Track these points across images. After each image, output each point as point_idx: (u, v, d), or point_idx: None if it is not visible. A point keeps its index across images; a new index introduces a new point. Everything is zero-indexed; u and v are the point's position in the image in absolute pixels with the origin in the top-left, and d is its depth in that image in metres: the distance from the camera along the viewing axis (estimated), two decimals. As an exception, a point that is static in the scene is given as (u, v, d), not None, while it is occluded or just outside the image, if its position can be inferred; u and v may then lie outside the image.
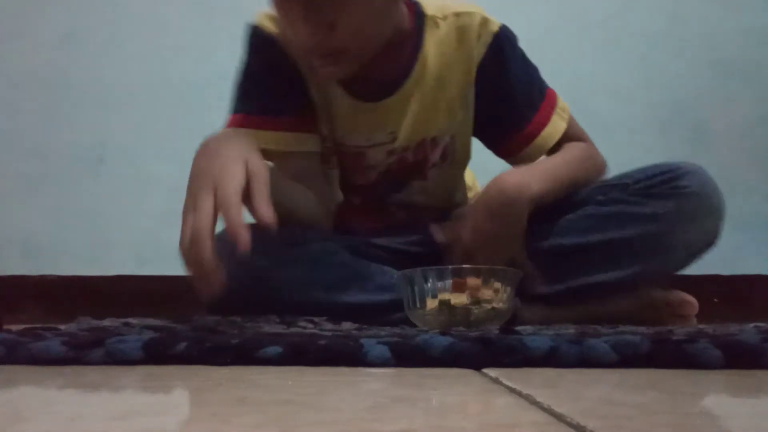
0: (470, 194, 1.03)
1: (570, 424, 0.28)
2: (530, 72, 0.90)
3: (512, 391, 0.36)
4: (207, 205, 0.60)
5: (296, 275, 0.78)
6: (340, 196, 0.92)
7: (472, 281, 0.66)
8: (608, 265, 0.81)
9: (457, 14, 0.86)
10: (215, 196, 0.60)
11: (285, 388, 0.38)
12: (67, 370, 0.45)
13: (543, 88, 0.91)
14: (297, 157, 0.85)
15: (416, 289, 0.68)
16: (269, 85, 0.86)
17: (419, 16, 0.86)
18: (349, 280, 0.79)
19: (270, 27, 0.88)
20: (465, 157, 0.94)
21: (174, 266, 1.49)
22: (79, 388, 0.39)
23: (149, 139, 1.53)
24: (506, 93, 0.88)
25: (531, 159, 0.88)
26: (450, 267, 0.67)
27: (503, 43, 0.86)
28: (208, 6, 1.58)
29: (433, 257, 0.83)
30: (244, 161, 0.62)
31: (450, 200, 0.97)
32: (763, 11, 1.61)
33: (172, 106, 1.54)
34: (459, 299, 0.66)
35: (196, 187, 0.63)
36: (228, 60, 1.58)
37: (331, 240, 0.84)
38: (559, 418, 0.29)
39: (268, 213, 0.59)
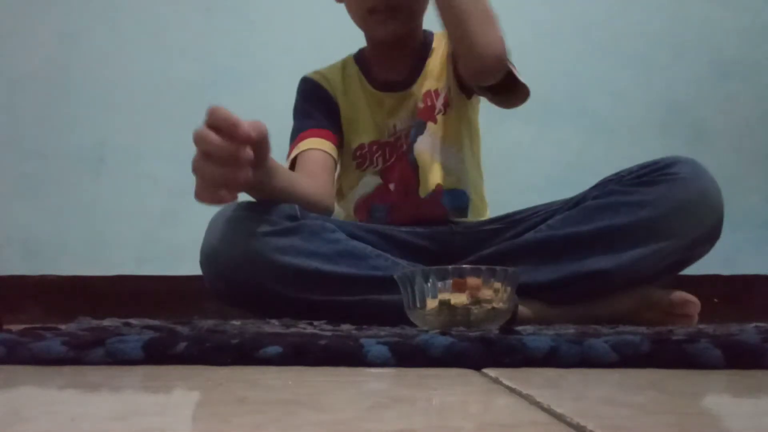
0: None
1: (570, 424, 0.28)
2: None
3: (512, 391, 0.36)
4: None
5: (292, 243, 0.79)
6: (369, 187, 1.03)
7: (472, 281, 0.66)
8: (602, 252, 0.82)
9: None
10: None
11: (285, 388, 0.37)
12: (67, 370, 0.45)
13: None
14: (318, 151, 1.00)
15: (416, 288, 0.67)
16: (314, 112, 1.05)
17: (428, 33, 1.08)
18: (343, 255, 0.81)
19: (315, 76, 1.08)
20: (461, 108, 1.05)
21: (174, 266, 1.50)
22: (79, 388, 0.39)
23: (149, 139, 1.53)
24: None
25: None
26: (450, 267, 0.67)
27: None
28: (208, 6, 1.58)
29: (437, 254, 0.88)
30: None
31: (462, 178, 1.03)
32: (763, 11, 1.61)
33: (172, 106, 1.54)
34: (459, 299, 0.66)
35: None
36: (228, 60, 1.59)
37: (330, 221, 0.86)
38: (559, 418, 0.29)
39: (248, 126, 0.64)
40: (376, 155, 1.04)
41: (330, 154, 1.00)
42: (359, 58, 1.08)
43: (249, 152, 0.65)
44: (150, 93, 1.55)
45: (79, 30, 1.55)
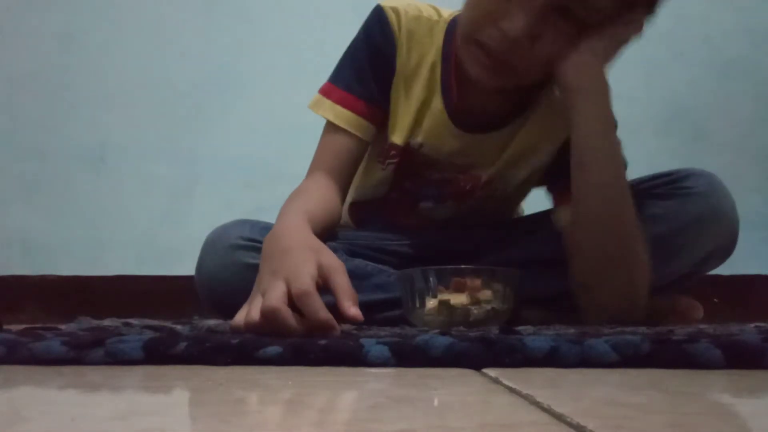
0: None
1: (570, 424, 0.27)
2: None
3: (512, 391, 0.36)
4: (280, 288, 0.57)
5: None
6: (378, 190, 0.94)
7: (472, 281, 0.66)
8: None
9: None
10: (288, 286, 0.57)
11: (285, 388, 0.37)
12: (67, 370, 0.45)
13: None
14: (351, 138, 0.86)
15: (416, 289, 0.67)
16: (364, 68, 0.87)
17: None
18: None
19: (392, 17, 0.86)
20: (514, 199, 0.96)
21: (174, 266, 1.50)
22: (79, 388, 0.39)
23: (149, 139, 1.53)
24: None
25: None
26: (450, 267, 0.67)
27: None
28: (208, 6, 1.58)
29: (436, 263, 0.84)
30: (315, 257, 0.61)
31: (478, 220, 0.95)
32: (763, 11, 1.61)
33: (172, 106, 1.54)
34: (459, 299, 0.66)
35: (267, 280, 0.60)
36: (228, 60, 1.59)
37: (329, 242, 0.84)
38: (559, 418, 0.29)
39: (355, 310, 0.58)
40: (394, 161, 0.90)
41: (364, 141, 0.87)
42: (449, 43, 0.85)
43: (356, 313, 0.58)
44: (150, 93, 1.55)
45: (79, 30, 1.55)
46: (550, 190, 0.90)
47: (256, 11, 1.58)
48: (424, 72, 0.85)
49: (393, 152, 0.88)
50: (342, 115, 0.85)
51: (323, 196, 0.82)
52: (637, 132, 1.57)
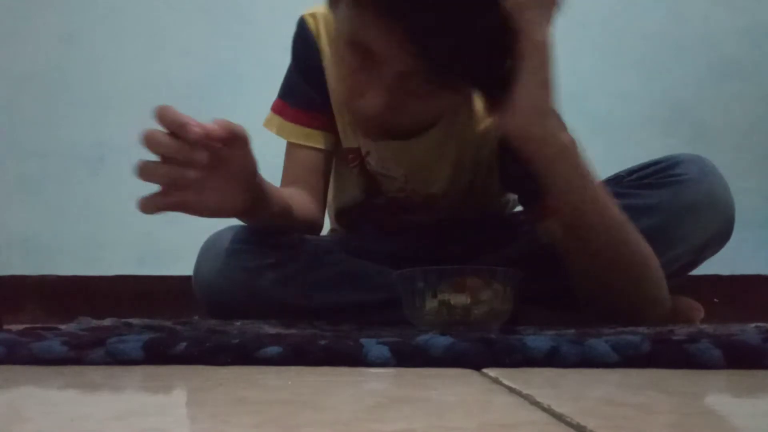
0: None
1: (570, 424, 0.27)
2: None
3: (512, 391, 0.36)
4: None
5: (293, 273, 0.78)
6: (358, 195, 0.92)
7: (472, 281, 0.66)
8: None
9: None
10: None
11: (285, 388, 0.37)
12: (67, 370, 0.45)
13: None
14: (311, 151, 0.87)
15: (416, 289, 0.67)
16: (299, 81, 0.88)
17: None
18: (343, 279, 0.79)
19: (311, 24, 0.87)
20: (482, 203, 0.92)
21: (174, 266, 1.50)
22: (79, 388, 0.39)
23: (149, 139, 1.53)
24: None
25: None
26: (450, 267, 0.67)
27: None
28: (208, 6, 1.58)
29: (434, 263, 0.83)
30: None
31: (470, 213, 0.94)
32: (763, 11, 1.61)
33: (172, 106, 1.54)
34: (459, 299, 0.66)
35: None
36: (228, 60, 1.59)
37: (326, 240, 0.84)
38: (559, 418, 0.29)
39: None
40: (354, 164, 0.89)
41: (324, 150, 0.87)
42: None
43: (203, 153, 0.59)
44: (150, 93, 1.55)
45: (79, 30, 1.55)
46: (522, 204, 0.86)
47: (256, 11, 1.58)
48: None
49: (351, 155, 0.88)
50: (294, 131, 0.86)
51: (296, 191, 0.84)
52: (637, 132, 1.57)
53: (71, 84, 1.54)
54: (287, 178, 0.88)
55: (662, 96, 1.59)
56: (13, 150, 1.52)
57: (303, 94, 0.87)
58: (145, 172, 0.60)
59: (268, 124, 0.88)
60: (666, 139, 1.55)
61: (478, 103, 0.82)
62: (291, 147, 0.88)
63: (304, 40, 0.87)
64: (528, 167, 0.69)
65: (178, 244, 1.43)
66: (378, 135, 0.78)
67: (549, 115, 0.65)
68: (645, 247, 0.71)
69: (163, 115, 0.59)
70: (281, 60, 1.62)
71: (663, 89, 1.59)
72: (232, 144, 0.62)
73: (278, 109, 0.89)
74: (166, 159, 0.60)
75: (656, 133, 1.56)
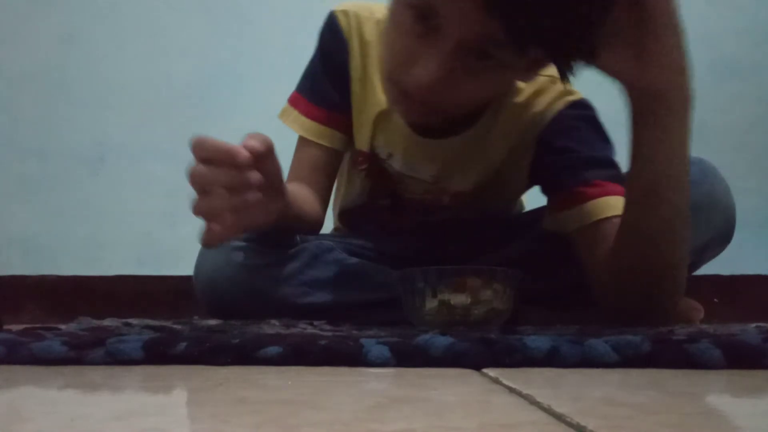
0: None
1: (570, 424, 0.28)
2: (598, 148, 0.81)
3: (512, 391, 0.36)
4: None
5: (293, 271, 0.78)
6: (363, 198, 0.92)
7: (472, 281, 0.66)
8: None
9: (537, 92, 0.82)
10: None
11: (285, 388, 0.37)
12: (67, 370, 0.45)
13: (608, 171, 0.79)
14: (321, 149, 0.86)
15: (416, 289, 0.67)
16: (321, 78, 0.86)
17: None
18: (343, 279, 0.80)
19: (342, 21, 0.85)
20: (504, 200, 0.93)
21: (174, 266, 1.50)
22: (79, 388, 0.39)
23: (149, 139, 1.53)
24: (561, 163, 0.80)
25: (568, 224, 0.79)
26: (450, 267, 0.67)
27: (571, 117, 0.82)
28: (208, 6, 1.58)
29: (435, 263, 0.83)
30: None
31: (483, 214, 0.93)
32: (763, 11, 1.61)
33: (172, 106, 1.54)
34: (459, 299, 0.66)
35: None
36: (228, 60, 1.59)
37: (326, 239, 0.84)
38: (559, 418, 0.29)
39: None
40: (363, 167, 0.89)
41: (335, 150, 0.86)
42: None
43: (256, 174, 0.57)
44: (150, 93, 1.55)
45: (79, 30, 1.55)
46: (545, 193, 0.86)
47: (256, 11, 1.58)
48: (379, 78, 0.81)
49: (360, 158, 0.87)
50: (309, 127, 0.85)
51: (301, 188, 0.83)
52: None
53: (71, 84, 1.54)
54: (294, 173, 0.87)
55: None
56: (13, 150, 1.52)
57: (323, 90, 0.86)
58: (208, 212, 0.57)
59: (283, 115, 0.88)
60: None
61: (518, 94, 0.81)
62: (302, 142, 0.87)
63: (333, 35, 0.85)
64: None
65: (178, 244, 1.43)
66: (419, 114, 0.74)
67: (685, 71, 0.63)
68: (688, 245, 0.70)
69: (203, 148, 0.55)
70: (281, 60, 1.62)
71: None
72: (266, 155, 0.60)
73: (295, 102, 0.88)
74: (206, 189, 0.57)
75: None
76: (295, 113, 0.87)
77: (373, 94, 0.83)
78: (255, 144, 0.57)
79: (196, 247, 0.81)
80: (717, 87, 1.58)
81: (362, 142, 0.86)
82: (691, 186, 0.74)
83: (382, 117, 0.83)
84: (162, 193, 1.51)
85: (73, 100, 1.54)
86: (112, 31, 1.56)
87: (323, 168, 0.87)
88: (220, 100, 1.55)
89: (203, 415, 0.32)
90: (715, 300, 1.35)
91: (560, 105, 0.82)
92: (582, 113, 0.83)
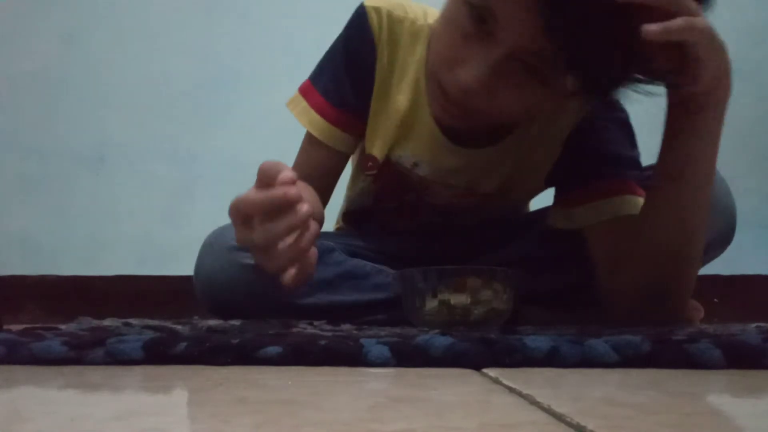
0: None
1: (570, 424, 0.28)
2: (624, 148, 0.81)
3: (512, 391, 0.36)
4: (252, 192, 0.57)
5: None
6: (366, 200, 0.91)
7: (472, 281, 0.66)
8: None
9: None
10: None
11: (285, 388, 0.37)
12: (67, 370, 0.45)
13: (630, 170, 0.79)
14: (328, 150, 0.82)
15: (416, 289, 0.67)
16: (341, 75, 0.81)
17: None
18: (343, 279, 0.79)
19: (373, 20, 0.79)
20: (522, 203, 0.94)
21: (174, 266, 1.50)
22: (79, 388, 0.39)
23: (149, 139, 1.53)
24: (585, 161, 0.80)
25: (582, 220, 0.78)
26: (450, 267, 0.67)
27: (601, 118, 0.80)
28: (208, 6, 1.58)
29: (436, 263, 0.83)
30: None
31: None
32: (763, 11, 1.61)
33: (172, 106, 1.54)
34: (459, 299, 0.66)
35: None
36: (228, 60, 1.59)
37: (326, 240, 0.84)
38: (559, 418, 0.29)
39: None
40: (372, 173, 0.85)
41: (343, 152, 0.83)
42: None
43: (315, 224, 0.58)
44: (150, 93, 1.55)
45: (79, 30, 1.55)
46: (561, 190, 0.84)
47: (256, 11, 1.58)
48: (408, 83, 0.79)
49: (370, 164, 0.84)
50: (318, 125, 0.81)
51: (308, 190, 0.80)
52: (637, 132, 1.57)
53: (71, 84, 1.54)
54: (298, 169, 0.82)
55: (662, 96, 1.58)
56: (13, 150, 1.52)
57: (340, 89, 0.81)
58: (281, 267, 0.58)
59: (291, 104, 0.83)
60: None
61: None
62: (310, 140, 0.83)
63: (361, 34, 0.79)
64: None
65: (178, 244, 1.43)
66: (453, 117, 0.71)
67: (729, 74, 0.65)
68: (703, 243, 0.71)
69: (266, 203, 0.56)
70: (281, 60, 1.62)
71: (663, 89, 1.58)
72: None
73: (306, 92, 0.83)
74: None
75: (656, 134, 1.56)
76: (304, 104, 0.82)
77: (396, 100, 0.80)
78: (289, 175, 0.56)
79: (196, 247, 0.81)
80: (717, 87, 1.58)
81: (377, 148, 0.83)
82: None
83: (406, 123, 0.80)
84: (162, 193, 1.51)
85: (73, 100, 1.54)
86: (112, 31, 1.56)
87: (329, 170, 0.85)
88: (220, 100, 1.55)
89: (203, 415, 0.32)
90: (715, 300, 1.35)
91: (591, 106, 0.80)
92: (613, 115, 0.82)
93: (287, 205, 0.55)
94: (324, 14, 1.57)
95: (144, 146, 1.53)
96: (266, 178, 0.56)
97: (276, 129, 1.56)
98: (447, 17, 0.67)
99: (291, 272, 0.57)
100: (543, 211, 0.90)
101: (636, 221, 0.72)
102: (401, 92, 0.79)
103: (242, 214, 0.58)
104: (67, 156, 1.52)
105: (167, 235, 1.49)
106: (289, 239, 0.57)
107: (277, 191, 0.55)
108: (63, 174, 1.52)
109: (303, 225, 0.56)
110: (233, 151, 1.52)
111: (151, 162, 1.52)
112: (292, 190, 0.54)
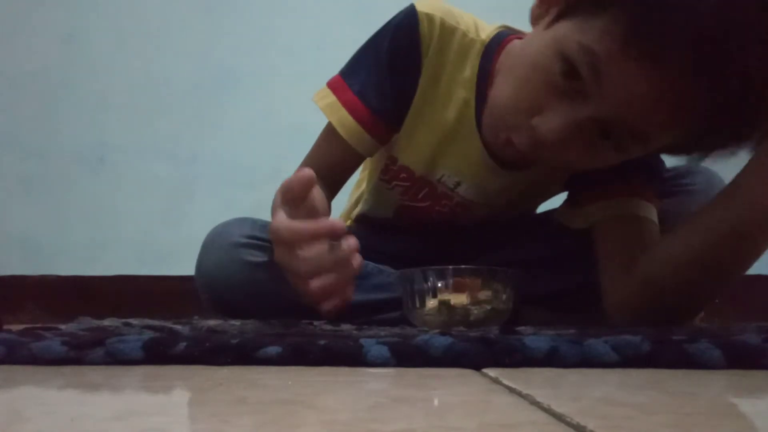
0: None
1: (570, 424, 0.28)
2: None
3: (512, 391, 0.36)
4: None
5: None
6: (385, 212, 0.91)
7: (472, 281, 0.66)
8: None
9: None
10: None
11: (285, 388, 0.37)
12: (67, 370, 0.45)
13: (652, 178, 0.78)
14: (350, 151, 0.79)
15: (416, 288, 0.67)
16: (382, 77, 0.76)
17: None
18: None
19: (424, 27, 0.74)
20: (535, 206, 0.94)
21: (174, 266, 1.50)
22: (79, 388, 0.39)
23: (149, 139, 1.53)
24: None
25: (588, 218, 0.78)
26: (450, 267, 0.67)
27: None
28: (208, 6, 1.58)
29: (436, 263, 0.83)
30: None
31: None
32: (763, 11, 1.61)
33: (172, 106, 1.54)
34: (459, 299, 0.66)
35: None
36: (228, 60, 1.59)
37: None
38: (559, 418, 0.29)
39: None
40: (404, 185, 0.84)
41: (363, 156, 0.81)
42: (484, 77, 0.74)
43: (353, 240, 0.60)
44: (150, 93, 1.55)
45: (79, 30, 1.55)
46: (574, 192, 0.83)
47: (256, 11, 1.58)
48: (456, 102, 0.76)
49: (403, 175, 0.83)
50: (347, 124, 0.77)
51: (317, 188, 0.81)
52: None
53: (71, 84, 1.54)
54: (312, 161, 0.82)
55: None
56: (14, 150, 1.52)
57: (379, 91, 0.76)
58: (327, 292, 0.60)
59: (319, 99, 0.79)
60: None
61: None
62: (331, 135, 0.79)
63: (410, 39, 0.75)
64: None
65: (178, 244, 1.43)
66: (514, 157, 0.70)
67: None
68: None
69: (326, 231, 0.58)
70: (281, 60, 1.62)
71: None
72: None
73: (336, 87, 0.79)
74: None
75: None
76: (333, 100, 0.77)
77: (442, 115, 0.77)
78: (341, 225, 0.59)
79: (196, 247, 0.81)
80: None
81: (414, 160, 0.81)
82: (697, 195, 0.76)
83: (450, 140, 0.78)
84: (162, 193, 1.51)
85: (73, 100, 1.54)
86: (112, 31, 1.56)
87: (344, 169, 0.83)
88: (220, 100, 1.55)
89: (203, 415, 0.32)
90: (716, 300, 1.35)
91: None
92: None
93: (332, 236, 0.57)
94: (324, 15, 1.58)
95: (144, 146, 1.53)
96: (291, 193, 0.58)
97: (276, 129, 1.57)
98: (534, 62, 0.64)
99: (333, 302, 0.59)
100: (547, 213, 0.91)
101: (642, 227, 0.72)
102: (448, 109, 0.77)
103: (286, 241, 0.59)
104: (67, 156, 1.52)
105: (167, 235, 1.49)
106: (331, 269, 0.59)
107: (325, 224, 0.57)
108: (63, 174, 1.52)
109: (348, 259, 0.58)
110: (233, 151, 1.52)
111: (151, 162, 1.52)
112: (339, 224, 0.57)
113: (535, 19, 0.68)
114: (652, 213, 0.75)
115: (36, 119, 1.53)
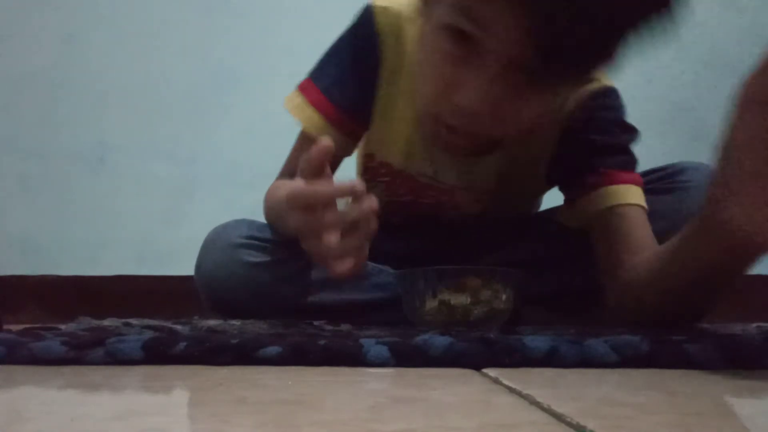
0: None
1: (570, 424, 0.28)
2: (613, 134, 0.79)
3: (512, 391, 0.36)
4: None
5: (291, 272, 0.78)
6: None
7: (472, 281, 0.66)
8: None
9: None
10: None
11: (285, 388, 0.37)
12: (67, 370, 0.45)
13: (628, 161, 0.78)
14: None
15: (416, 288, 0.67)
16: (346, 74, 0.78)
17: None
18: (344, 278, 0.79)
19: (381, 23, 0.76)
20: (528, 199, 0.93)
21: (174, 266, 1.50)
22: (79, 388, 0.39)
23: (149, 139, 1.53)
24: (576, 155, 0.79)
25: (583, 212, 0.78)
26: (450, 267, 0.67)
27: (592, 108, 0.79)
28: (208, 6, 1.58)
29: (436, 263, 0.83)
30: None
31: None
32: (763, 11, 1.61)
33: (171, 106, 1.54)
34: (459, 299, 0.66)
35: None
36: (228, 60, 1.59)
37: None
38: (559, 418, 0.29)
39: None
40: (385, 180, 0.84)
41: (338, 156, 0.80)
42: None
43: (372, 199, 0.57)
44: (150, 93, 1.55)
45: (79, 30, 1.55)
46: (562, 187, 0.84)
47: (256, 11, 1.58)
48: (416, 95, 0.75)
49: (383, 171, 0.83)
50: (315, 122, 0.77)
51: None
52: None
53: (71, 84, 1.54)
54: (289, 168, 0.83)
55: (662, 95, 1.58)
56: (13, 150, 1.52)
57: (343, 87, 0.77)
58: (343, 252, 0.58)
59: (287, 100, 0.80)
60: (665, 139, 1.55)
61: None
62: (305, 139, 0.80)
63: (366, 33, 0.76)
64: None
65: (178, 244, 1.43)
66: (464, 148, 0.71)
67: None
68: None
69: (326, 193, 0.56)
70: (281, 60, 1.62)
71: (663, 89, 1.58)
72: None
73: (305, 88, 0.80)
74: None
75: (655, 133, 1.56)
76: (301, 100, 0.79)
77: (406, 105, 0.78)
78: (361, 186, 0.57)
79: (196, 247, 0.81)
80: (717, 87, 1.58)
81: (392, 155, 0.81)
82: (694, 191, 0.75)
83: (418, 130, 0.78)
84: (162, 193, 1.51)
85: (73, 100, 1.54)
86: (112, 31, 1.56)
87: None
88: (220, 100, 1.55)
89: (203, 415, 0.32)
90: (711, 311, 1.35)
91: (582, 95, 0.78)
92: (603, 102, 0.80)
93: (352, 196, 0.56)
94: (324, 15, 1.57)
95: (144, 146, 1.53)
96: (310, 164, 0.55)
97: (275, 129, 1.56)
98: (428, 51, 0.65)
99: (348, 262, 0.57)
100: (547, 213, 0.91)
101: (624, 213, 0.72)
102: (414, 99, 0.76)
103: (305, 203, 0.57)
104: (67, 156, 1.52)
105: (167, 235, 1.49)
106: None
107: (346, 184, 0.56)
108: (63, 174, 1.52)
109: (367, 218, 0.57)
110: (233, 151, 1.52)
111: (151, 162, 1.52)
112: (359, 184, 0.56)
113: (421, 17, 0.68)
114: (638, 197, 0.74)
115: (36, 119, 1.53)
